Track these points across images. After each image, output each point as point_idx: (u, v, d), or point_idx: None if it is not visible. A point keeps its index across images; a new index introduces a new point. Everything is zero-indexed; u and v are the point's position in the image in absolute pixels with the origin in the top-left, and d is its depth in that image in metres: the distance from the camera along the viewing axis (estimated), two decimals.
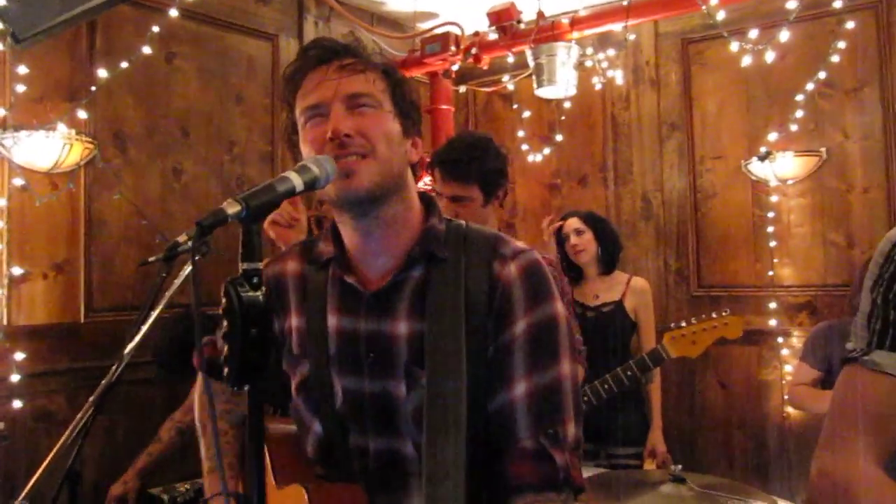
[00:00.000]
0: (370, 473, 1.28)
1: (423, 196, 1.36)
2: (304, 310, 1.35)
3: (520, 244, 1.30)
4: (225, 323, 1.00)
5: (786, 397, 3.77)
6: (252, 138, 3.91)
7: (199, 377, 1.57)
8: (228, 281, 0.99)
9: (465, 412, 1.17)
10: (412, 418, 1.23)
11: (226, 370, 1.00)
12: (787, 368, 3.84)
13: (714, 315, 2.87)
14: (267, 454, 1.34)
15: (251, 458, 1.03)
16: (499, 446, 1.20)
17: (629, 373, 2.86)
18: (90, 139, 3.11)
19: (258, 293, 1.00)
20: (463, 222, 1.35)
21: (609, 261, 3.38)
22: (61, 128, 2.94)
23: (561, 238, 3.42)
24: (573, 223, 3.39)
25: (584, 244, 3.33)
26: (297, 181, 1.09)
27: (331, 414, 1.30)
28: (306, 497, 1.19)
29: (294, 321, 1.37)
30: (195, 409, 1.58)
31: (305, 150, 1.27)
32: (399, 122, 1.29)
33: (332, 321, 1.31)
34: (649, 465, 3.27)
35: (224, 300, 0.99)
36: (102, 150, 3.25)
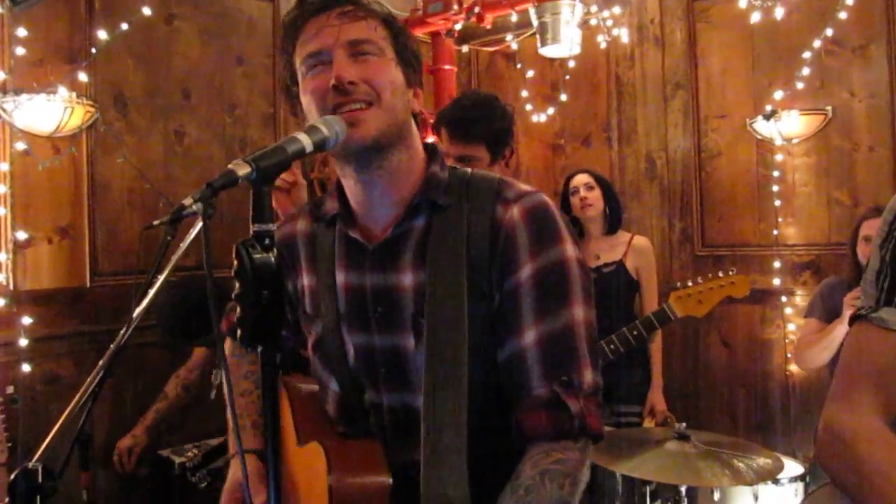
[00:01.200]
0: (385, 429, 1.27)
1: (427, 146, 1.33)
2: (315, 268, 1.35)
3: (525, 186, 1.27)
4: (237, 284, 1.00)
5: (789, 356, 3.79)
6: (254, 100, 3.88)
7: (227, 340, 1.57)
8: (240, 243, 0.99)
9: (466, 362, 1.16)
10: (423, 371, 1.21)
11: (238, 331, 1.01)
12: (791, 327, 3.86)
13: (721, 274, 2.88)
14: (290, 412, 1.36)
15: (266, 416, 1.04)
16: (511, 396, 1.19)
17: (635, 332, 2.87)
18: (91, 102, 3.08)
19: (269, 255, 1.00)
20: (468, 170, 1.32)
21: (614, 221, 3.38)
22: (62, 91, 2.92)
23: (566, 194, 3.42)
24: (583, 178, 3.39)
25: (594, 199, 3.34)
26: (306, 142, 1.08)
27: (345, 372, 1.29)
28: (324, 455, 1.18)
29: (306, 280, 1.37)
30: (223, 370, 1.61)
31: (306, 100, 1.24)
32: (402, 71, 1.26)
33: (340, 278, 1.30)
34: (649, 424, 3.31)
35: (236, 262, 0.99)
36: (104, 113, 3.23)
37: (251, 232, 1.01)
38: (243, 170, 0.99)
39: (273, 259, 1.01)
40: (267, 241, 1.00)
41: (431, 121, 2.39)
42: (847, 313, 2.87)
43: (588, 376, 1.19)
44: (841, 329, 2.92)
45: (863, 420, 1.09)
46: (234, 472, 1.41)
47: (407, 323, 1.23)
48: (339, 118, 1.15)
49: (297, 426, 1.33)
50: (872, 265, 1.14)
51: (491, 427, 1.20)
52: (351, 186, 1.29)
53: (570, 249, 1.22)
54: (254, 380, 1.52)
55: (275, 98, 3.96)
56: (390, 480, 1.17)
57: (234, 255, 0.99)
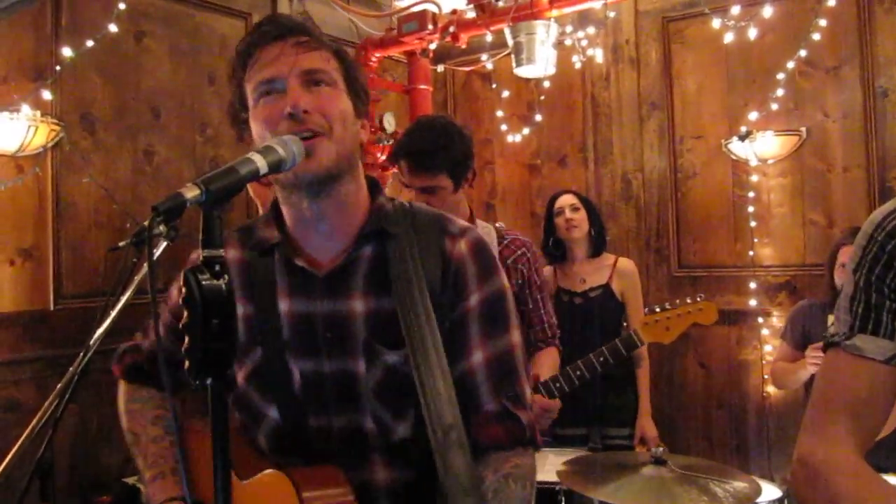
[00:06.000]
0: (332, 453, 1.27)
1: (367, 176, 1.36)
2: (252, 297, 1.33)
3: (462, 222, 1.36)
4: (185, 313, 0.95)
5: (766, 377, 3.78)
6: (226, 119, 3.78)
7: (122, 386, 1.52)
8: (188, 269, 0.94)
9: (450, 375, 1.22)
10: (373, 394, 1.25)
11: (187, 363, 0.95)
12: (767, 349, 3.85)
13: (689, 300, 2.84)
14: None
15: (217, 457, 0.98)
16: (465, 413, 1.22)
17: (601, 358, 2.80)
18: (56, 121, 3.02)
19: (220, 281, 0.95)
20: (406, 202, 1.37)
21: (599, 243, 3.35)
22: (26, 109, 2.85)
23: (549, 214, 3.39)
24: (569, 199, 3.36)
25: (579, 221, 3.30)
26: (260, 163, 1.03)
27: (289, 398, 1.29)
28: (286, 477, 1.16)
29: (240, 310, 1.31)
30: (122, 419, 1.50)
31: (257, 127, 1.25)
32: (352, 102, 1.28)
33: (283, 306, 1.30)
34: (641, 450, 3.26)
35: (184, 289, 0.94)
36: (70, 132, 3.16)
37: (200, 257, 0.96)
38: (192, 192, 0.94)
39: (224, 286, 0.96)
40: (217, 267, 0.95)
41: (393, 151, 2.36)
42: (810, 370, 2.91)
43: (528, 392, 1.29)
44: (804, 373, 2.99)
45: (838, 452, 1.05)
46: None
47: (358, 348, 1.26)
48: (298, 139, 1.11)
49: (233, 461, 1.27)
50: (846, 290, 1.11)
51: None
52: (295, 215, 1.30)
53: (505, 280, 1.33)
54: (164, 425, 1.45)
55: None
56: (354, 497, 1.18)
57: (181, 283, 0.94)
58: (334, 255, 1.29)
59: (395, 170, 3.95)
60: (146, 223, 0.95)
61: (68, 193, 3.21)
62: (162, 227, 0.94)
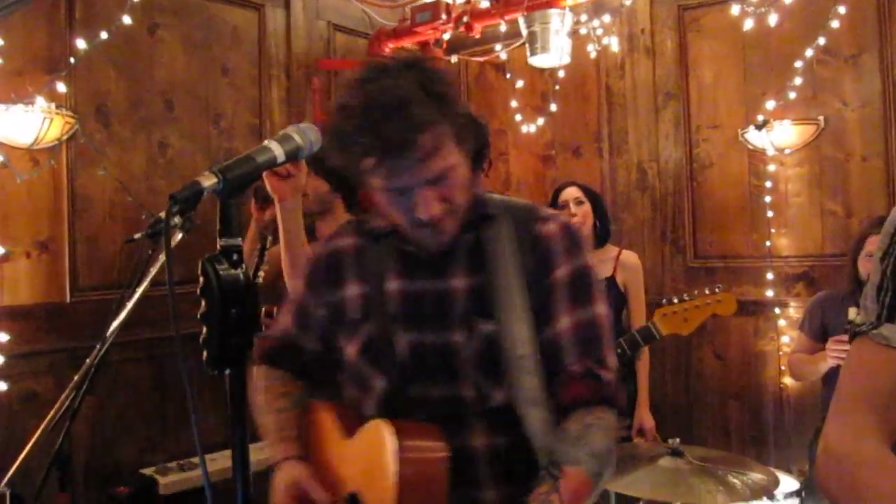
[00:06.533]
0: (433, 420, 1.36)
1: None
2: (364, 278, 1.48)
3: (553, 211, 1.50)
4: (203, 302, 0.94)
5: (783, 368, 3.75)
6: (239, 111, 3.83)
7: (258, 368, 1.65)
8: (206, 258, 0.94)
9: (535, 346, 1.34)
10: (472, 363, 1.36)
11: (204, 354, 0.95)
12: (784, 339, 3.81)
13: (707, 291, 2.81)
14: (332, 417, 1.48)
15: (237, 441, 0.98)
16: (550, 375, 1.35)
17: (618, 350, 2.79)
18: (71, 113, 3.02)
19: (238, 271, 0.95)
20: (502, 195, 1.51)
21: (603, 235, 3.31)
22: (40, 101, 2.86)
23: (554, 207, 3.35)
24: (573, 192, 3.31)
25: (583, 215, 3.26)
26: (278, 151, 1.03)
27: (395, 368, 1.41)
28: (388, 426, 1.26)
29: (354, 289, 1.49)
30: (257, 394, 1.65)
31: (385, 204, 1.34)
32: (468, 162, 1.38)
33: (393, 285, 1.44)
34: (639, 440, 3.24)
35: (201, 279, 0.94)
36: (84, 124, 3.17)
37: (218, 246, 0.95)
38: (209, 181, 0.94)
39: (241, 275, 0.95)
40: (235, 256, 0.95)
41: None
42: (830, 362, 2.86)
43: (612, 359, 1.38)
44: (823, 365, 2.94)
45: (864, 444, 1.03)
46: (286, 474, 1.47)
47: (458, 321, 1.38)
48: (314, 127, 1.10)
49: (344, 424, 1.44)
50: (873, 280, 1.09)
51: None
52: None
53: (590, 261, 1.44)
54: (292, 400, 1.59)
55: (260, 109, 3.90)
56: (449, 453, 1.28)
57: (199, 272, 0.93)
58: (440, 242, 1.40)
59: None
60: (162, 213, 0.95)
61: (83, 186, 3.22)
62: (177, 219, 0.95)
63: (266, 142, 1.03)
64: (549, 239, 1.41)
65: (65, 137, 3.03)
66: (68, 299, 3.15)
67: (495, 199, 1.47)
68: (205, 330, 0.94)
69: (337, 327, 1.52)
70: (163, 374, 3.38)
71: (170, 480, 3.18)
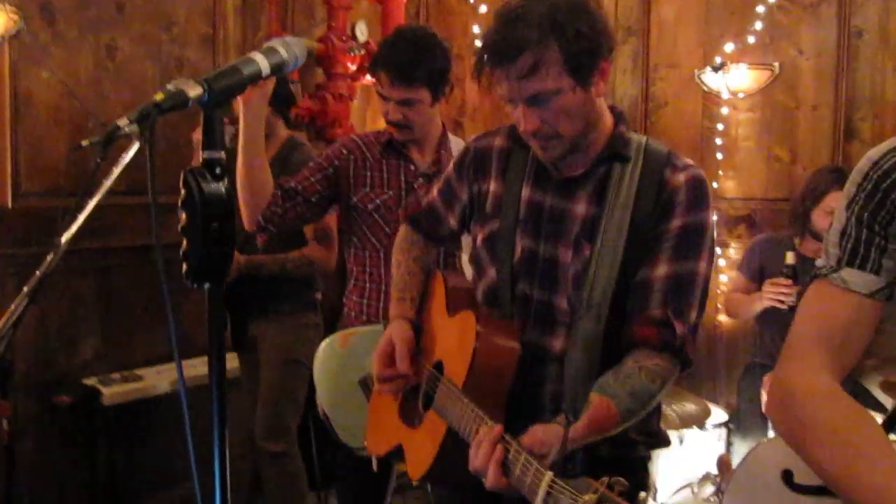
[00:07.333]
0: (528, 315, 1.54)
1: (614, 109, 1.57)
2: (504, 178, 1.62)
3: (688, 160, 1.52)
4: (183, 216, 0.93)
5: (718, 306, 3.89)
6: (192, 18, 3.67)
7: (403, 227, 1.91)
8: (188, 170, 0.92)
9: (618, 269, 1.45)
10: (572, 279, 1.49)
11: (184, 266, 0.94)
12: (723, 278, 3.94)
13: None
14: (443, 291, 1.69)
15: (212, 352, 0.98)
16: (631, 312, 1.45)
17: None
18: (15, 9, 2.86)
19: (220, 184, 0.93)
20: (644, 136, 1.55)
21: None
22: None
23: None
24: None
25: None
26: (263, 64, 1.01)
27: (508, 264, 1.57)
28: (475, 320, 1.47)
29: (493, 186, 1.64)
30: (395, 250, 1.89)
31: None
32: (578, 82, 1.40)
33: (525, 192, 1.58)
34: None
35: (183, 191, 0.92)
36: (28, 22, 3.01)
37: (201, 158, 0.94)
38: (195, 91, 0.91)
39: (224, 189, 0.94)
40: (218, 169, 0.93)
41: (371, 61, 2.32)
42: (766, 303, 2.98)
43: (693, 315, 1.45)
44: (759, 305, 3.07)
45: (816, 379, 1.10)
46: (392, 332, 1.70)
47: (570, 240, 1.51)
48: (301, 41, 1.08)
49: (449, 302, 1.65)
50: (837, 226, 1.14)
51: (613, 332, 1.46)
52: None
53: (711, 218, 1.49)
54: (422, 264, 1.83)
55: (214, 17, 3.76)
56: (520, 349, 1.45)
57: (181, 184, 0.92)
58: (574, 166, 1.52)
59: (364, 80, 3.88)
60: (119, 121, 0.93)
61: (27, 87, 3.08)
62: (134, 127, 0.93)
63: (251, 54, 1.00)
64: (675, 188, 1.46)
65: (8, 35, 2.88)
66: (10, 204, 3.05)
67: (635, 139, 1.53)
68: (185, 243, 0.93)
69: (473, 213, 1.70)
70: (108, 285, 3.32)
71: (113, 391, 3.15)
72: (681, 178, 1.47)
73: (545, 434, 1.27)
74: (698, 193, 1.47)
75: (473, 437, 1.31)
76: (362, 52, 3.82)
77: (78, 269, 3.19)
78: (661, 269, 1.44)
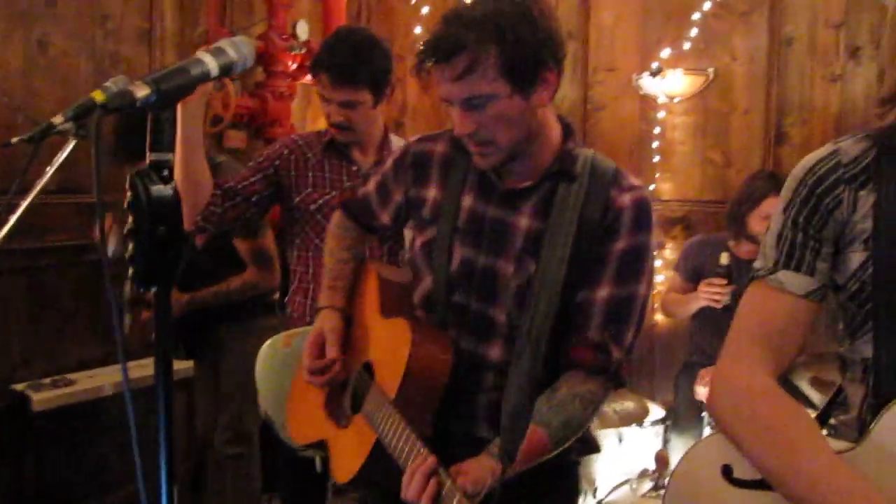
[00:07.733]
0: (464, 325, 1.53)
1: (562, 120, 1.55)
2: (444, 185, 1.59)
3: (635, 180, 1.53)
4: (130, 219, 0.91)
5: (655, 306, 3.97)
6: (129, 13, 3.58)
7: (337, 213, 1.88)
8: (135, 172, 0.90)
9: (559, 291, 1.44)
10: (513, 293, 1.48)
11: (130, 270, 0.92)
12: (659, 278, 4.03)
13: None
14: (378, 289, 1.69)
15: (158, 356, 0.97)
16: (569, 333, 1.46)
17: None
18: None
19: (168, 187, 0.92)
20: (591, 151, 1.54)
21: None
22: None
23: None
24: None
25: None
26: (212, 65, 0.99)
27: (444, 273, 1.55)
28: (409, 328, 1.48)
29: (432, 192, 1.61)
30: (327, 237, 1.88)
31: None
32: (516, 90, 1.37)
33: (466, 200, 1.56)
34: None
35: (129, 194, 0.91)
36: None
37: (147, 161, 0.92)
38: (142, 91, 0.90)
39: (172, 191, 0.92)
40: (165, 171, 0.92)
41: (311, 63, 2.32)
42: (701, 302, 3.07)
43: (630, 337, 1.47)
44: (695, 304, 3.16)
45: (755, 377, 1.14)
46: (322, 321, 1.71)
47: (513, 253, 1.49)
48: (249, 41, 1.06)
49: (383, 302, 1.65)
50: (774, 229, 1.19)
51: (553, 351, 1.47)
52: None
53: (653, 240, 1.50)
54: (354, 252, 1.83)
55: (151, 12, 3.67)
56: (454, 360, 1.47)
57: (127, 186, 0.90)
58: (519, 180, 1.51)
59: (305, 79, 3.84)
60: (54, 119, 0.92)
61: None
62: (69, 124, 0.91)
63: (199, 53, 0.99)
64: (620, 209, 1.46)
65: None
66: None
67: (582, 155, 1.51)
68: (131, 246, 0.91)
69: (409, 216, 1.70)
70: (39, 286, 3.22)
71: (43, 397, 3.06)
72: (627, 199, 1.47)
73: (480, 471, 1.31)
74: (643, 215, 1.47)
75: (403, 458, 1.33)
76: (303, 50, 3.77)
77: (6, 269, 3.08)
78: (603, 292, 1.45)
